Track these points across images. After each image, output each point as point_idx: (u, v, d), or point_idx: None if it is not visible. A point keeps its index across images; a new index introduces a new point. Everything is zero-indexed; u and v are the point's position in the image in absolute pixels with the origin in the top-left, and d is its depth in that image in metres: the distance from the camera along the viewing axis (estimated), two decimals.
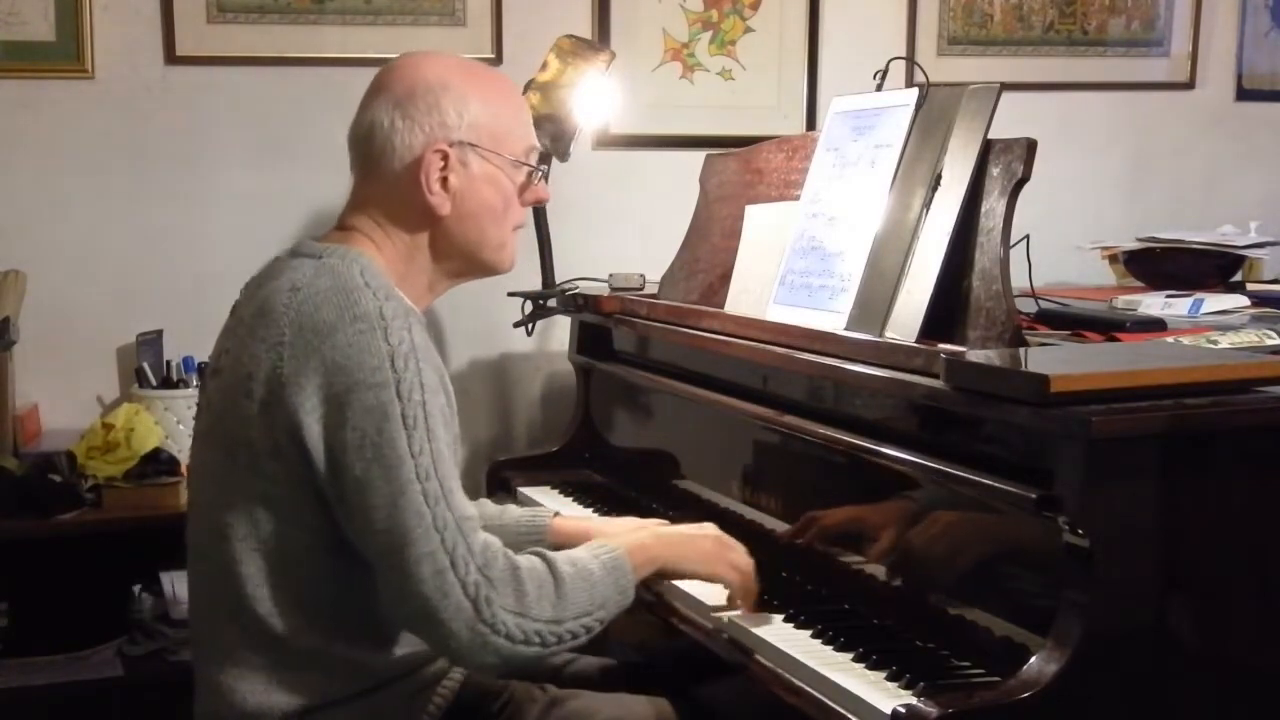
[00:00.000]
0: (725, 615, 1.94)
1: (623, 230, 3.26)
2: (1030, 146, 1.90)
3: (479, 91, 1.86)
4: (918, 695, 1.60)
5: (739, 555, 1.96)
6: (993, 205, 1.92)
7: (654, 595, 2.02)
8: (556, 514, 2.16)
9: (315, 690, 1.76)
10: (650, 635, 2.16)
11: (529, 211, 1.98)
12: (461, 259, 1.90)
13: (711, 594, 1.99)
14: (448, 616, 1.67)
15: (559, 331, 3.16)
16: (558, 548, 2.05)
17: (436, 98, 1.83)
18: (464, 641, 1.68)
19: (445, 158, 1.83)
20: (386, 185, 1.84)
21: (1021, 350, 1.80)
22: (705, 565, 1.93)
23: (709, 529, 1.99)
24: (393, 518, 1.67)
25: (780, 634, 1.85)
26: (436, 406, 1.73)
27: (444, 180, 1.83)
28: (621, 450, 2.78)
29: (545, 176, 1.96)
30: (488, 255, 1.91)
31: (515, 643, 1.70)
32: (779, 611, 1.93)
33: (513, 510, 2.18)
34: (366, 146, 1.85)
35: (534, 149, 1.92)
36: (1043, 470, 1.59)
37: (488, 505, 2.19)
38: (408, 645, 1.83)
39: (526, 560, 1.75)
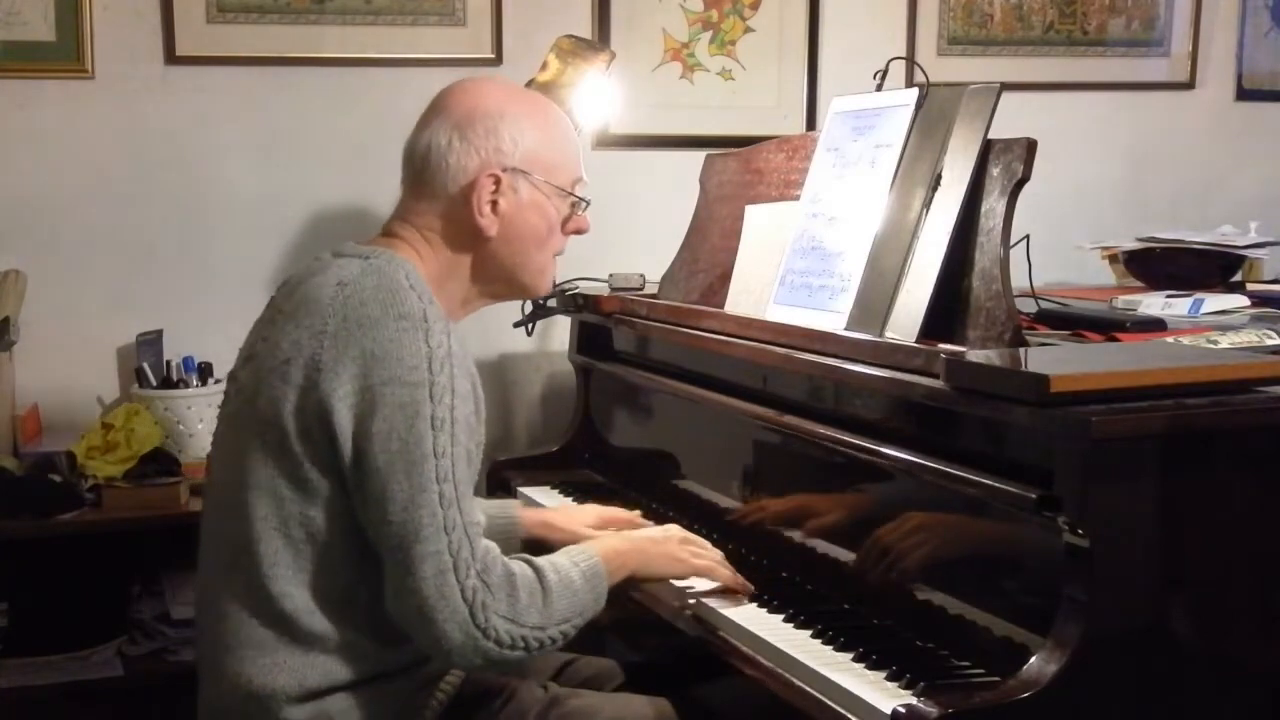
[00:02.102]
0: (720, 608, 1.96)
1: (623, 230, 3.25)
2: (1030, 146, 1.90)
3: (535, 121, 1.92)
4: (918, 695, 1.60)
5: (703, 549, 2.04)
6: (993, 205, 1.92)
7: (657, 596, 2.03)
8: (520, 503, 2.26)
9: (321, 673, 1.78)
10: (650, 635, 2.16)
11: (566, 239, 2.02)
12: (500, 281, 1.96)
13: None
14: (443, 617, 1.71)
15: (559, 331, 3.16)
16: (524, 538, 2.17)
17: (495, 123, 1.88)
18: (456, 643, 1.73)
19: (497, 182, 1.88)
20: (437, 203, 1.90)
21: (1021, 350, 1.80)
22: (671, 567, 2.01)
23: (672, 530, 2.08)
24: (407, 512, 1.71)
25: (780, 634, 1.86)
26: (463, 413, 1.77)
27: (494, 204, 1.89)
28: (621, 450, 2.78)
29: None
30: (526, 279, 1.97)
31: (503, 648, 1.75)
32: (779, 611, 1.93)
33: (480, 503, 2.20)
34: (421, 164, 1.90)
35: (581, 181, 1.98)
36: (1043, 470, 1.59)
37: None
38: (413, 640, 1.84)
39: (519, 568, 1.80)
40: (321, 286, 1.79)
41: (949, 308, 1.92)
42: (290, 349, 1.76)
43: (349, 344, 1.73)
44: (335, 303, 1.76)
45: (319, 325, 1.75)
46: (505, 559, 1.79)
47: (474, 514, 1.76)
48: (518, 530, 2.18)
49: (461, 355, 1.80)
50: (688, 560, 2.01)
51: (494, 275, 1.94)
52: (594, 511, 2.25)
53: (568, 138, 1.98)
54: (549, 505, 2.45)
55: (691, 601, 2.00)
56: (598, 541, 1.99)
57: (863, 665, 1.72)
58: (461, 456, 1.76)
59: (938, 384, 1.74)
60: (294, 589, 1.77)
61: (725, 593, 2.01)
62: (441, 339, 1.75)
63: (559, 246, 1.99)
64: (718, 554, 2.05)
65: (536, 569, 1.81)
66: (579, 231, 2.01)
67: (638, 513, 2.28)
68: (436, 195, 1.89)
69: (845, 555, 1.98)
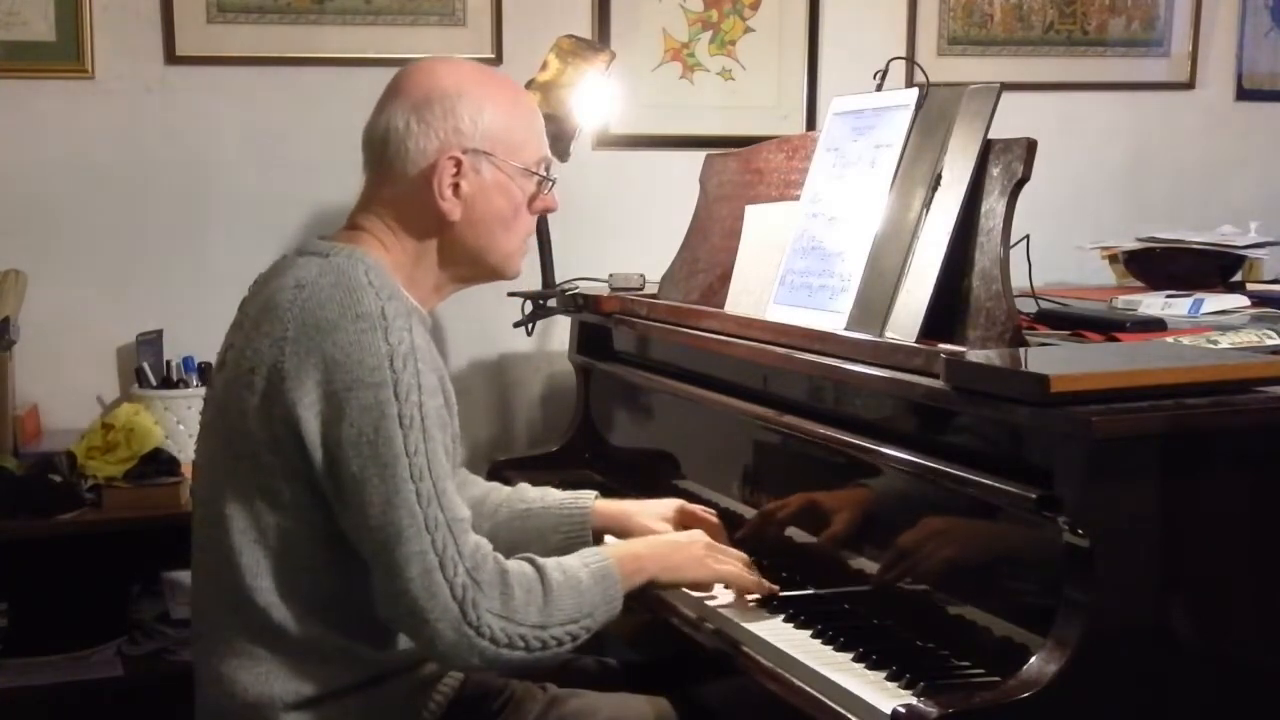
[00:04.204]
0: (720, 608, 1.95)
1: (623, 230, 3.26)
2: (1030, 146, 1.90)
3: (494, 100, 1.87)
4: (918, 695, 1.60)
5: (729, 556, 1.98)
6: (993, 205, 1.92)
7: (655, 596, 2.03)
8: (597, 496, 2.17)
9: (316, 680, 1.78)
10: (650, 635, 2.16)
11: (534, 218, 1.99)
12: (468, 265, 1.92)
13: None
14: (434, 617, 1.69)
15: (559, 331, 3.16)
16: (599, 530, 2.10)
17: (453, 104, 1.84)
18: (449, 642, 1.70)
19: (458, 164, 1.84)
20: (398, 188, 1.86)
21: (1021, 350, 1.80)
22: (695, 573, 1.95)
23: (697, 535, 2.02)
24: (386, 515, 1.69)
25: (780, 634, 1.86)
26: (433, 408, 1.74)
27: (455, 186, 1.85)
28: (621, 450, 2.78)
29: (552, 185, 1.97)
30: (495, 262, 1.92)
31: (499, 646, 1.72)
32: (779, 611, 1.93)
33: (554, 493, 2.18)
34: (381, 149, 1.86)
35: (545, 159, 1.94)
36: (1043, 470, 1.58)
37: (527, 490, 2.20)
38: (407, 641, 1.83)
39: (516, 565, 1.77)
40: (281, 290, 1.76)
41: (949, 308, 1.92)
42: (254, 357, 1.74)
43: (309, 350, 1.70)
44: (294, 307, 1.73)
45: (279, 332, 1.72)
46: (500, 556, 1.76)
47: (457, 509, 1.73)
48: (590, 521, 2.12)
49: (426, 349, 1.77)
50: (712, 566, 1.95)
51: (461, 259, 1.90)
52: (674, 505, 2.15)
53: (529, 115, 1.94)
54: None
55: (692, 602, 2.00)
56: (616, 545, 1.97)
57: (863, 665, 1.72)
58: (437, 452, 1.72)
59: (938, 384, 1.74)
60: (279, 599, 1.75)
61: (737, 596, 1.98)
62: (402, 335, 1.72)
63: (527, 227, 1.94)
64: (743, 557, 2.00)
65: (538, 567, 1.78)
66: (547, 210, 1.96)
67: (714, 512, 2.17)
68: (397, 180, 1.85)
69: (845, 555, 1.98)
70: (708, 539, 2.01)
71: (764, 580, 1.97)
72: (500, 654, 1.72)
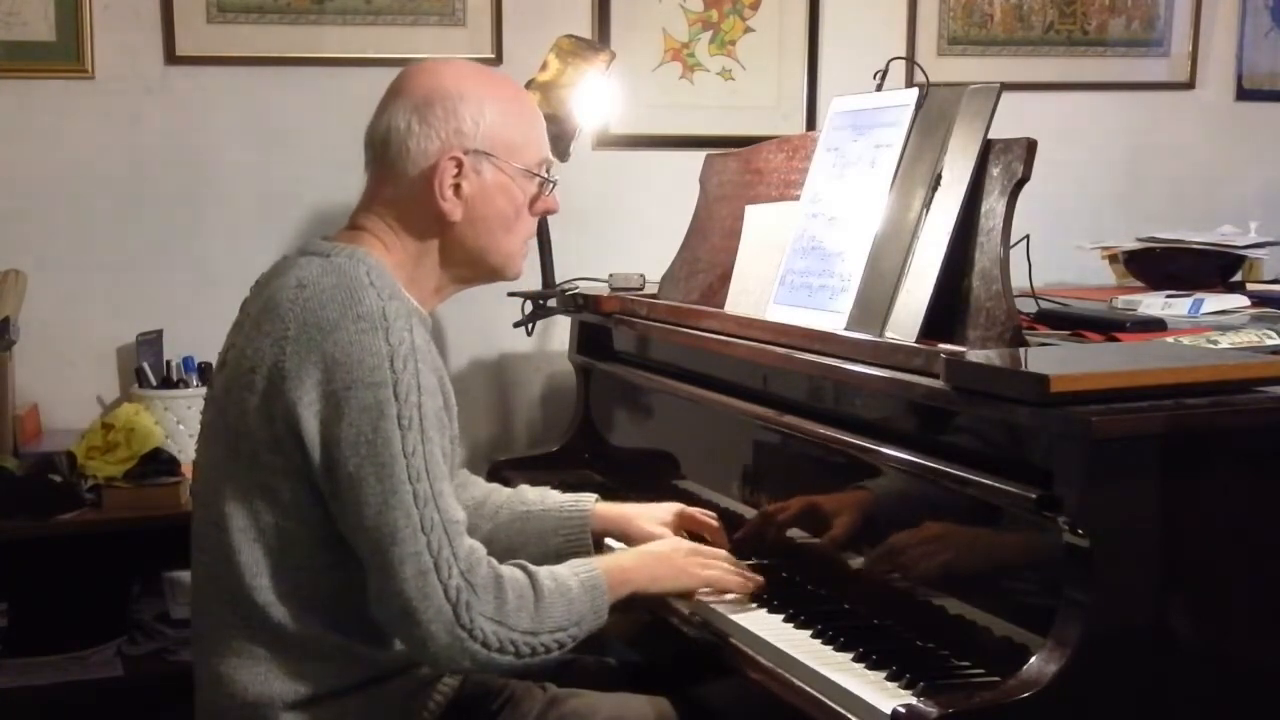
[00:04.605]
0: (719, 607, 1.95)
1: (623, 230, 3.26)
2: (1030, 146, 1.90)
3: (496, 101, 1.87)
4: (918, 695, 1.60)
5: (711, 559, 1.99)
6: (993, 205, 1.92)
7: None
8: (598, 499, 2.17)
9: (315, 680, 1.78)
10: (650, 635, 2.16)
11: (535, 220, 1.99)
12: (469, 265, 1.92)
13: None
14: (428, 618, 1.69)
15: (559, 331, 3.17)
16: (598, 533, 2.11)
17: (454, 105, 1.84)
18: (441, 644, 1.70)
19: (459, 165, 1.84)
20: (400, 188, 1.86)
21: (1021, 350, 1.80)
22: (678, 582, 1.97)
23: (680, 543, 2.03)
24: (382, 515, 1.69)
25: (780, 634, 1.86)
26: (432, 409, 1.75)
27: (457, 187, 1.85)
28: (621, 450, 2.78)
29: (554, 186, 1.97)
30: (495, 263, 1.92)
31: (491, 650, 1.72)
32: (779, 611, 1.93)
33: (554, 495, 2.18)
34: (382, 149, 1.87)
35: (547, 161, 1.94)
36: (1043, 470, 1.58)
37: (528, 491, 2.20)
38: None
39: (509, 570, 1.77)
40: (282, 289, 1.76)
41: (949, 308, 1.92)
42: (255, 357, 1.74)
43: (310, 349, 1.70)
44: (295, 306, 1.73)
45: (280, 331, 1.73)
46: (494, 561, 1.76)
47: (453, 512, 1.73)
48: (589, 524, 2.12)
49: (426, 349, 1.77)
50: (696, 573, 1.97)
51: (462, 260, 1.90)
52: (673, 509, 2.16)
53: (531, 117, 1.94)
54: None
55: (691, 601, 2.00)
56: (603, 556, 1.98)
57: (863, 665, 1.72)
58: (435, 453, 1.73)
59: (938, 384, 1.74)
60: (279, 599, 1.76)
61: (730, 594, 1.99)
62: (403, 335, 1.72)
63: (528, 229, 1.94)
64: (723, 554, 2.02)
65: (530, 574, 1.79)
66: (548, 212, 1.96)
67: (713, 515, 2.17)
68: (398, 180, 1.85)
69: (845, 555, 1.98)
70: (690, 544, 2.03)
71: (747, 574, 1.99)
72: (492, 658, 1.73)
